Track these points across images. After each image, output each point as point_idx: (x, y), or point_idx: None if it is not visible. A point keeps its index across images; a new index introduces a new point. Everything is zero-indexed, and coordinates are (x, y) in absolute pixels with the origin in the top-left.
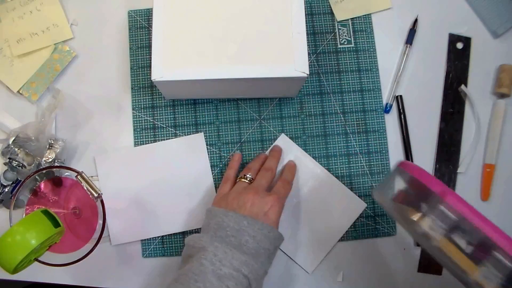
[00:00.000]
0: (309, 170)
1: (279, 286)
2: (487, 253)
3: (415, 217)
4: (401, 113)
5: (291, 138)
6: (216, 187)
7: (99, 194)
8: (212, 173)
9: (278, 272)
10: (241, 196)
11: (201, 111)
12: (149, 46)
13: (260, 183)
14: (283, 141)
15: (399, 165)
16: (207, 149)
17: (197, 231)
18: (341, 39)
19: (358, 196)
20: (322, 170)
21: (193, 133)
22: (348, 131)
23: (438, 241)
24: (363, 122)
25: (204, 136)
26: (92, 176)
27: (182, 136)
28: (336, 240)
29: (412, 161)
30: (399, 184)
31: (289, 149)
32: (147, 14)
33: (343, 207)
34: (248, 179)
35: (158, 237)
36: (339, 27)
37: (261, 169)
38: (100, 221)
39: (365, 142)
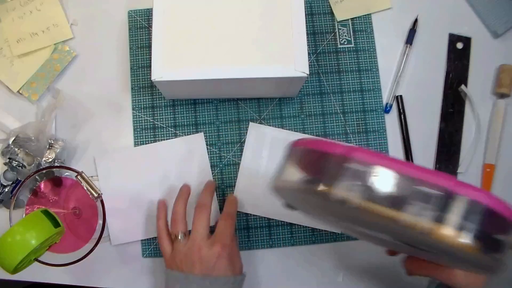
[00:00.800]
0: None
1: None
2: (407, 194)
3: (326, 186)
4: (401, 113)
5: None
6: (216, 187)
7: (99, 194)
8: (212, 173)
9: (276, 272)
10: (187, 257)
11: (201, 111)
12: (149, 46)
13: (198, 234)
14: (255, 129)
15: (292, 145)
16: (207, 149)
17: None
18: (341, 39)
19: None
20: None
21: (193, 133)
22: (348, 131)
23: (359, 201)
24: (363, 122)
25: (204, 136)
26: (92, 176)
27: (182, 136)
28: None
29: (412, 161)
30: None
31: (263, 135)
32: (147, 14)
33: None
34: (181, 238)
35: None
36: (339, 27)
37: (195, 209)
38: (100, 221)
39: (365, 142)
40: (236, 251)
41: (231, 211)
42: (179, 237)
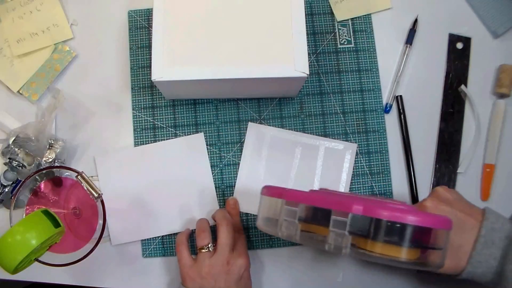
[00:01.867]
0: (291, 143)
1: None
2: (329, 218)
3: (279, 228)
4: (401, 113)
5: None
6: (216, 187)
7: (99, 194)
8: (212, 173)
9: (276, 272)
10: (214, 268)
11: (201, 111)
12: (149, 46)
13: (225, 246)
14: (254, 129)
15: (262, 193)
16: (207, 149)
17: None
18: (341, 39)
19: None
20: (303, 136)
21: (193, 133)
22: (348, 131)
23: (299, 227)
24: (363, 122)
25: (204, 136)
26: (92, 176)
27: (182, 136)
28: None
29: (412, 161)
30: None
31: (262, 134)
32: (147, 14)
33: (338, 158)
34: (211, 248)
35: (158, 237)
36: (339, 27)
37: (218, 222)
38: (100, 221)
39: (365, 142)
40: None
41: (238, 220)
42: (209, 249)
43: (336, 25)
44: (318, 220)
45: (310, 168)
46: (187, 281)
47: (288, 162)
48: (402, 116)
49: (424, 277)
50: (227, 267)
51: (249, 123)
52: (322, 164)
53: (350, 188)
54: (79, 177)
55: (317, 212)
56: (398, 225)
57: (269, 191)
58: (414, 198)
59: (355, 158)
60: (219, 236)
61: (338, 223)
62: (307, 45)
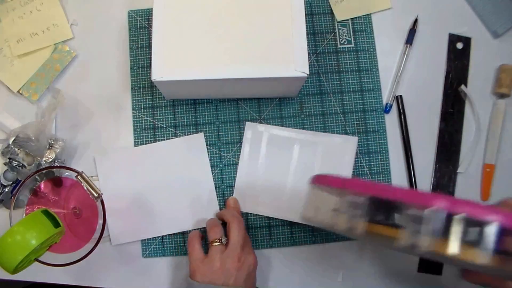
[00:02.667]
0: (291, 140)
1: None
2: (393, 213)
3: (336, 217)
4: (401, 113)
5: None
6: (216, 187)
7: (99, 194)
8: (212, 173)
9: (276, 272)
10: (226, 264)
11: (201, 111)
12: (149, 46)
13: (236, 243)
14: (251, 128)
15: (312, 182)
16: (207, 149)
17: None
18: (341, 39)
19: None
20: (302, 133)
21: (193, 133)
22: (348, 131)
23: (362, 227)
24: (363, 122)
25: (204, 136)
26: (92, 176)
27: (182, 136)
28: None
29: (412, 161)
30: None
31: (260, 134)
32: (147, 14)
33: (338, 153)
34: (223, 241)
35: (158, 237)
36: (339, 27)
37: (229, 219)
38: (100, 221)
39: (365, 142)
40: None
41: (240, 216)
42: (222, 242)
43: (336, 25)
44: (383, 215)
45: (309, 165)
46: (196, 275)
47: (287, 160)
48: (402, 116)
49: (423, 277)
50: (238, 264)
51: (247, 122)
52: (322, 158)
53: None
54: (79, 177)
55: (381, 205)
56: (480, 224)
57: (326, 180)
58: None
59: (355, 158)
60: (231, 234)
61: (413, 219)
62: (307, 45)
